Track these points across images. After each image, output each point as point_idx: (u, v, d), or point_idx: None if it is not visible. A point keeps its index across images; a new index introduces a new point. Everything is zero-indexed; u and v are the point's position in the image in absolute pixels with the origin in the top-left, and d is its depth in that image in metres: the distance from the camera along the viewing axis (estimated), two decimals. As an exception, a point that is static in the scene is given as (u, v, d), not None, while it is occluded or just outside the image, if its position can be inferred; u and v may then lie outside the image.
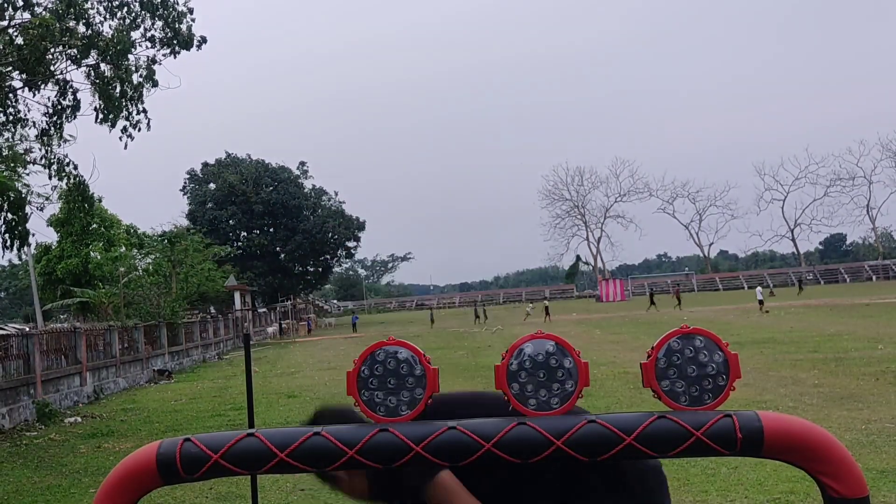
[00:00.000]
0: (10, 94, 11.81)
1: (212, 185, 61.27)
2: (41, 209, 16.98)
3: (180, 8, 12.05)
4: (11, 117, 12.31)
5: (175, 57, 12.29)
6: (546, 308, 39.01)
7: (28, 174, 15.20)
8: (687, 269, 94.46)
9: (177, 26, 12.01)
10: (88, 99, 12.33)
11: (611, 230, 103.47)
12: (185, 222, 47.79)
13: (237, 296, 38.47)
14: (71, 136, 12.65)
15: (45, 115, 12.24)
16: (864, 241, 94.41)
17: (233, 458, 1.36)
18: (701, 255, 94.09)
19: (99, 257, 32.47)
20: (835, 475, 1.25)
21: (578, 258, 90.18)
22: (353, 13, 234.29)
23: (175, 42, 12.08)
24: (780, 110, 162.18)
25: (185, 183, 62.19)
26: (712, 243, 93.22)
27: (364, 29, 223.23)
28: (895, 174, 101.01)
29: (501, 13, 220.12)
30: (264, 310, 47.70)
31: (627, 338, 19.73)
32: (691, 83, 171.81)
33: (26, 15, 10.86)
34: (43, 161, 12.59)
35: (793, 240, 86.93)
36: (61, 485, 6.94)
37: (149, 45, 12.16)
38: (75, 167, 12.44)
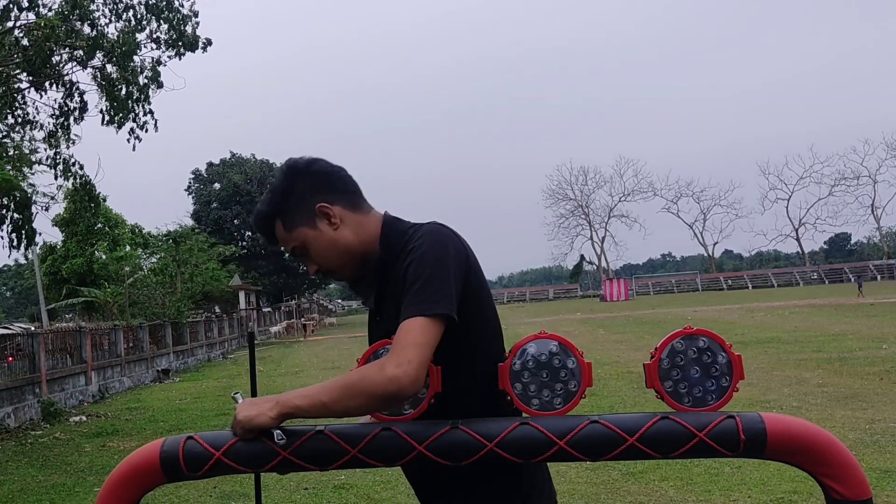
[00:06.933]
0: (18, 96, 11.84)
1: (216, 185, 61.32)
2: (46, 209, 17.03)
3: (185, 11, 12.05)
4: (20, 119, 12.34)
5: (180, 59, 12.28)
6: None
7: (34, 174, 15.26)
8: (690, 269, 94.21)
9: (182, 29, 12.01)
10: (94, 100, 12.32)
11: (615, 230, 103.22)
12: (189, 222, 47.92)
13: (242, 295, 38.53)
14: (76, 136, 12.68)
15: (51, 116, 12.27)
16: (869, 240, 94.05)
17: (236, 456, 1.37)
18: (705, 254, 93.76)
19: (104, 257, 32.53)
20: (838, 477, 1.25)
21: (582, 258, 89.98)
22: (356, 9, 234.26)
23: (180, 44, 12.07)
24: (785, 109, 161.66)
25: (189, 183, 62.27)
26: (717, 243, 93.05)
27: (368, 25, 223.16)
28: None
29: (502, 10, 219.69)
30: (269, 309, 47.76)
31: (631, 337, 19.70)
32: (696, 82, 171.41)
33: (31, 16, 10.88)
34: (49, 161, 12.63)
35: (797, 239, 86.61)
36: (66, 483, 6.96)
37: (154, 46, 12.17)
38: (81, 167, 12.47)
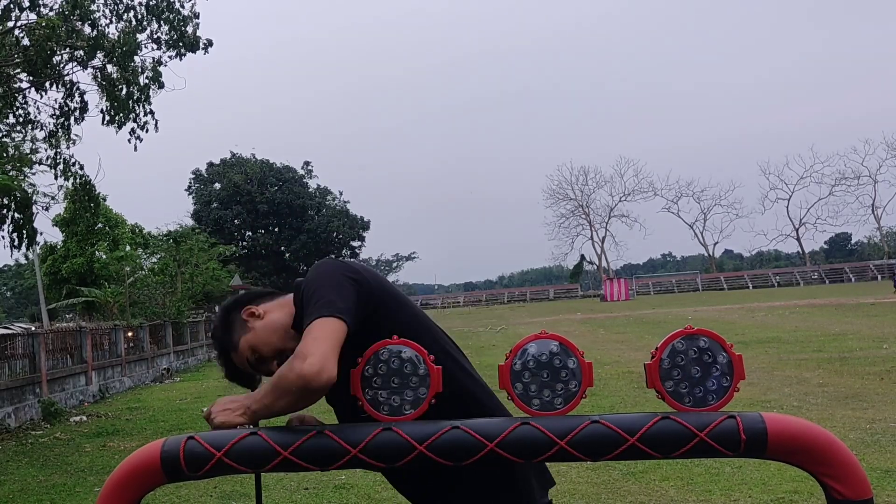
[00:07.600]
0: (18, 96, 11.84)
1: (217, 185, 61.38)
2: (46, 209, 17.02)
3: (186, 12, 12.06)
4: (21, 119, 12.35)
5: (181, 59, 12.29)
6: None
7: (34, 174, 15.26)
8: (690, 269, 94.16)
9: (183, 29, 12.01)
10: (95, 100, 12.32)
11: (615, 230, 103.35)
12: (190, 222, 47.95)
13: (242, 295, 38.44)
14: (77, 136, 12.70)
15: (52, 116, 12.28)
16: (870, 240, 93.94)
17: (236, 456, 1.36)
18: (706, 254, 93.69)
19: (104, 257, 32.51)
20: (839, 477, 1.25)
21: (583, 257, 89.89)
22: (351, 3, 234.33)
23: (181, 45, 12.08)
24: (785, 109, 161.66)
25: (190, 183, 62.34)
26: (717, 243, 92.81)
27: (365, 24, 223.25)
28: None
29: (499, 6, 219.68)
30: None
31: (632, 337, 19.70)
32: (696, 82, 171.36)
33: (32, 16, 10.89)
34: (49, 161, 12.63)
35: (798, 239, 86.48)
36: (66, 483, 6.97)
37: (154, 46, 12.18)
38: (81, 167, 12.48)
